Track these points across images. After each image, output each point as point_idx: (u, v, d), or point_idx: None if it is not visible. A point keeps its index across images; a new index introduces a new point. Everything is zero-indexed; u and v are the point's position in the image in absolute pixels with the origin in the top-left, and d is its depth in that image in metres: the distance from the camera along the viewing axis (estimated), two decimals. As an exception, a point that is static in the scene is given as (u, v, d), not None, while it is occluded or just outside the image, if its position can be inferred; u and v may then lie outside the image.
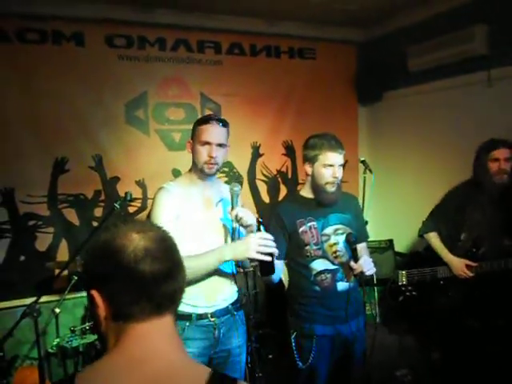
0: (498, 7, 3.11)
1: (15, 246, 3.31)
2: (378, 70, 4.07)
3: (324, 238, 2.22)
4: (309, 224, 2.22)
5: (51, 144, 3.36)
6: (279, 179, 4.19)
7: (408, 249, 3.81)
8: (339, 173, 2.20)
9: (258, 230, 1.95)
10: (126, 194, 2.42)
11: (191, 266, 1.84)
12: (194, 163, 2.08)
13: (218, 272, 2.06)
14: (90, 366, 0.91)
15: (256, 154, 4.06)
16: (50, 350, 3.08)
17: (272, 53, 4.06)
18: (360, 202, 2.82)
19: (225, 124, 2.07)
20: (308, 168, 2.24)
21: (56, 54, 3.32)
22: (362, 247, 2.29)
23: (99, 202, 3.53)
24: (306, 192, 2.31)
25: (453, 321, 2.68)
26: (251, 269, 3.35)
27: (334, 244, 2.23)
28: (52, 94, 3.31)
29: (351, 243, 2.16)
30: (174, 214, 1.99)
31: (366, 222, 2.85)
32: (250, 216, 1.97)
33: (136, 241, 0.88)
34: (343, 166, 2.25)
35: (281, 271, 2.25)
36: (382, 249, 3.98)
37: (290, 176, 4.22)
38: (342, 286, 2.21)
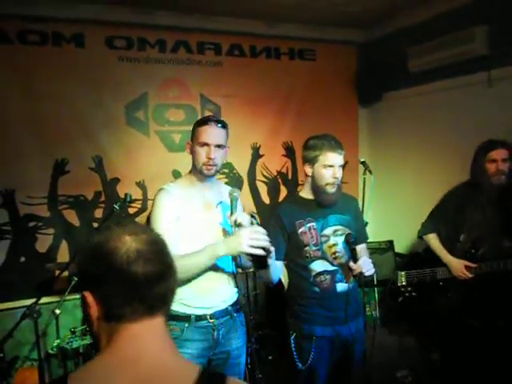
0: (498, 8, 3.11)
1: (15, 247, 3.31)
2: (378, 70, 4.07)
3: (323, 239, 2.22)
4: (308, 225, 2.22)
5: (51, 145, 3.36)
6: (279, 180, 4.19)
7: (408, 250, 3.81)
8: (339, 173, 2.20)
9: (252, 224, 1.95)
10: (125, 195, 2.42)
11: (186, 264, 1.86)
12: (194, 164, 2.08)
13: (217, 273, 2.06)
14: (82, 366, 0.93)
15: (256, 155, 4.06)
16: (50, 351, 3.09)
17: (272, 54, 4.07)
18: (360, 202, 2.83)
19: (224, 125, 2.07)
20: (308, 169, 2.24)
21: (56, 56, 3.33)
22: (361, 248, 2.29)
23: (99, 203, 3.53)
24: (305, 193, 2.31)
25: (452, 322, 2.68)
26: (251, 269, 3.38)
27: (334, 245, 2.23)
28: (52, 96, 3.32)
29: (350, 243, 2.16)
30: (174, 215, 1.99)
31: (366, 223, 2.85)
32: (248, 220, 1.98)
33: (128, 243, 0.90)
34: (343, 166, 2.25)
35: (280, 272, 2.25)
36: (382, 250, 3.97)
37: (290, 177, 4.22)
38: (341, 287, 2.21)
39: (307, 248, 2.20)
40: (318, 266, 2.21)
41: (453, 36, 3.32)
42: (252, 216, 2.00)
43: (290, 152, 4.17)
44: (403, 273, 2.76)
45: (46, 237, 3.40)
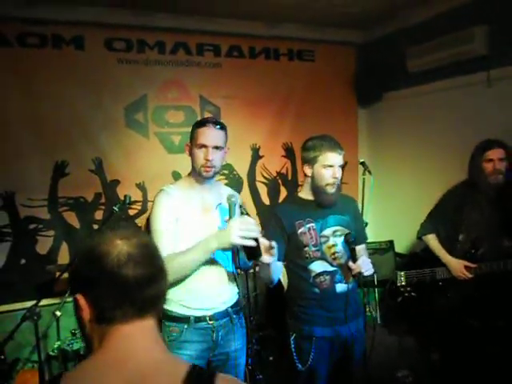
0: (497, 8, 3.11)
1: (16, 249, 3.32)
2: (377, 71, 4.07)
3: (323, 240, 2.22)
4: (307, 225, 2.22)
5: (51, 147, 3.37)
6: (279, 181, 4.19)
7: (408, 250, 3.81)
8: (339, 173, 2.20)
9: (242, 214, 1.96)
10: (125, 197, 2.43)
11: (182, 262, 1.88)
12: (193, 166, 2.08)
13: (216, 275, 2.06)
14: (75, 367, 0.96)
15: (256, 156, 4.06)
16: (51, 353, 3.09)
17: (271, 55, 4.07)
18: (360, 203, 2.83)
19: (222, 127, 2.07)
20: (307, 169, 2.25)
21: (56, 58, 3.34)
22: (360, 248, 2.29)
23: (99, 204, 3.53)
24: (304, 194, 2.31)
25: (452, 322, 2.68)
26: (251, 270, 3.38)
27: (333, 245, 2.23)
28: (52, 98, 3.32)
29: (350, 243, 2.16)
30: (173, 216, 2.00)
31: (366, 224, 2.86)
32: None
33: (119, 246, 0.92)
34: (343, 167, 2.25)
35: (280, 272, 2.25)
36: (382, 250, 3.98)
37: (289, 178, 4.22)
38: (340, 287, 2.21)
39: (307, 249, 2.21)
40: (317, 266, 2.21)
41: (452, 36, 3.32)
42: (241, 207, 2.00)
43: (289, 153, 4.18)
44: (403, 273, 2.77)
45: (47, 239, 3.40)
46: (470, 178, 2.74)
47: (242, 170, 4.02)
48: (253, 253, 1.85)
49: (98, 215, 3.52)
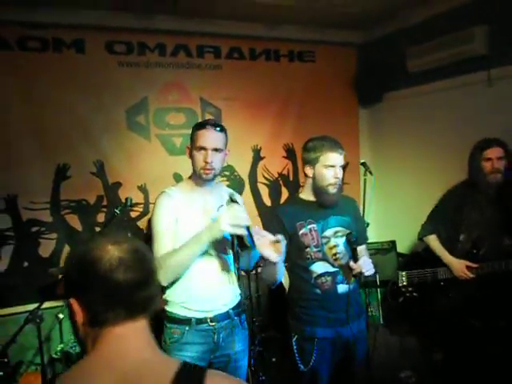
0: (496, 7, 3.11)
1: (19, 252, 3.33)
2: (377, 71, 4.07)
3: (324, 241, 2.22)
4: (309, 226, 2.22)
5: (53, 151, 3.38)
6: (281, 182, 4.20)
7: (410, 250, 3.80)
8: (340, 174, 2.21)
9: (232, 203, 1.97)
10: (126, 199, 2.44)
11: (178, 259, 1.90)
12: (193, 169, 2.09)
13: (218, 277, 2.07)
14: (71, 367, 0.98)
15: (257, 157, 4.07)
16: (54, 356, 3.10)
17: (271, 56, 4.08)
18: (361, 203, 2.83)
19: (222, 129, 2.06)
20: (309, 170, 2.25)
21: (57, 62, 3.36)
22: (362, 249, 2.29)
23: (101, 207, 3.55)
24: (305, 195, 2.31)
25: (454, 322, 2.68)
26: (253, 271, 3.39)
27: (334, 246, 2.23)
28: (53, 101, 3.34)
29: (351, 243, 2.16)
30: (174, 218, 2.01)
31: (368, 224, 2.85)
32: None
33: (111, 251, 0.95)
34: (344, 167, 2.26)
35: (282, 273, 2.25)
36: (384, 250, 3.97)
37: (291, 179, 4.22)
38: (342, 288, 2.21)
39: (308, 249, 2.21)
40: (318, 267, 2.21)
41: (452, 36, 3.32)
42: (231, 196, 2.01)
43: (290, 154, 4.18)
44: (404, 273, 2.77)
45: (49, 241, 3.41)
46: (470, 177, 2.75)
47: (244, 171, 4.03)
48: (245, 244, 1.86)
49: (100, 218, 3.53)
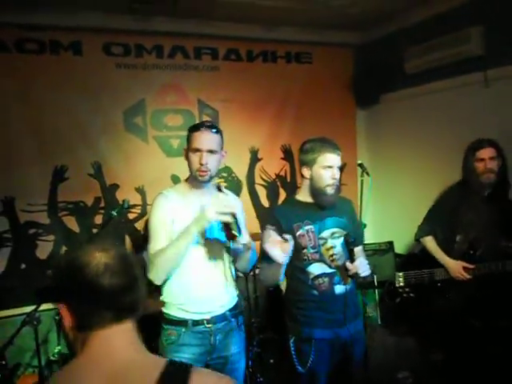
0: (492, 8, 3.12)
1: (16, 254, 3.33)
2: (375, 72, 4.08)
3: (321, 242, 2.23)
4: (306, 227, 2.22)
5: (51, 152, 3.38)
6: (278, 183, 4.20)
7: (408, 250, 3.81)
8: (338, 174, 2.21)
9: (219, 192, 2.00)
10: (123, 201, 2.44)
11: (168, 253, 1.92)
12: (189, 171, 2.09)
13: (214, 278, 2.07)
14: (62, 368, 1.03)
15: (254, 158, 4.07)
16: (51, 358, 3.09)
17: (269, 58, 4.09)
18: (358, 204, 2.84)
19: (217, 130, 2.07)
20: (306, 171, 2.25)
21: (54, 64, 3.36)
22: (358, 250, 2.29)
23: (99, 209, 3.55)
24: (302, 196, 2.31)
25: (451, 322, 2.68)
26: (251, 273, 3.39)
27: (331, 247, 2.23)
28: (51, 103, 3.34)
29: (349, 243, 2.17)
30: (170, 218, 2.02)
31: (365, 225, 2.86)
32: (244, 234, 1.98)
33: (98, 258, 0.99)
34: (341, 169, 2.26)
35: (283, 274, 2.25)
36: (382, 251, 3.97)
37: (288, 180, 4.23)
38: (339, 289, 2.21)
39: (305, 251, 2.21)
40: (315, 268, 2.21)
41: (449, 37, 3.33)
42: (218, 186, 2.03)
43: (288, 155, 4.18)
44: (401, 274, 2.77)
45: (47, 243, 3.41)
46: (464, 178, 2.76)
47: (241, 172, 4.03)
48: (232, 233, 1.87)
49: (98, 219, 3.53)
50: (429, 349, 3.01)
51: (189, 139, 2.08)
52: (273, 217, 2.28)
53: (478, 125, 3.20)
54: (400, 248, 3.96)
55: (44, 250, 3.40)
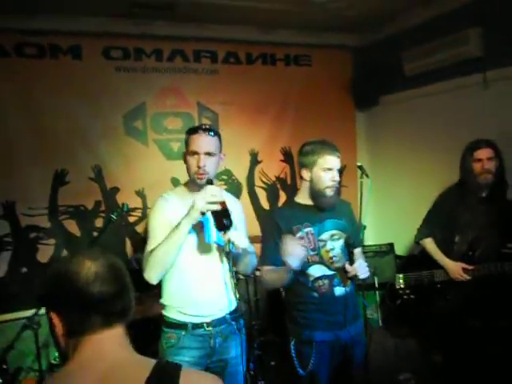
0: (490, 9, 3.12)
1: (17, 258, 3.33)
2: (374, 74, 4.08)
3: (320, 244, 2.23)
4: (305, 230, 2.23)
5: (51, 156, 3.39)
6: (278, 186, 4.20)
7: (408, 252, 3.81)
8: (337, 176, 2.22)
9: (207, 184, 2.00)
10: (122, 205, 2.45)
11: (162, 250, 1.93)
12: (188, 174, 2.10)
13: (214, 281, 2.08)
14: (56, 371, 1.05)
15: (254, 161, 4.08)
16: (53, 362, 3.09)
17: (268, 60, 4.09)
18: (358, 206, 2.84)
19: (214, 133, 2.07)
20: (305, 174, 2.26)
21: (54, 68, 3.37)
22: (357, 252, 2.30)
23: (99, 212, 3.55)
24: (301, 198, 2.32)
25: (452, 323, 2.68)
26: (251, 275, 3.39)
27: (331, 249, 2.24)
28: (51, 107, 3.35)
29: (350, 246, 2.17)
30: (169, 220, 2.02)
31: (364, 227, 2.86)
32: (242, 239, 1.99)
33: (88, 266, 1.02)
34: (341, 171, 2.27)
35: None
36: (382, 253, 3.97)
37: (289, 182, 4.23)
38: (339, 291, 2.22)
39: (305, 253, 2.21)
40: (316, 270, 2.21)
41: (447, 38, 3.33)
42: (208, 180, 2.03)
43: (288, 157, 4.19)
44: (401, 275, 2.78)
45: (48, 247, 3.42)
46: (461, 178, 2.76)
47: (241, 175, 4.04)
48: (222, 222, 1.87)
49: (99, 223, 3.54)
50: (430, 350, 3.01)
51: (187, 142, 2.09)
52: (272, 219, 2.29)
53: (477, 126, 3.20)
54: (400, 250, 3.96)
55: (45, 253, 3.41)
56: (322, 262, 2.22)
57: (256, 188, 4.11)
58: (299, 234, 2.21)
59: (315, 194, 2.24)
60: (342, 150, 2.27)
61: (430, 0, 3.45)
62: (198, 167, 2.01)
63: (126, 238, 3.63)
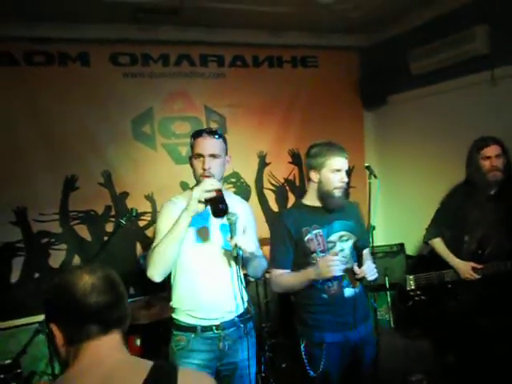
0: (496, 7, 3.10)
1: (29, 263, 3.37)
2: (381, 74, 4.07)
3: (330, 245, 2.23)
4: (314, 232, 2.23)
5: (61, 162, 3.43)
6: (287, 187, 4.21)
7: (418, 252, 3.79)
8: (346, 177, 2.23)
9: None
10: (131, 209, 2.46)
11: (163, 246, 1.93)
12: (194, 177, 2.11)
13: (223, 284, 2.08)
14: (57, 378, 1.12)
15: (263, 163, 4.08)
16: (65, 366, 3.12)
17: (274, 63, 4.10)
18: (367, 207, 2.84)
19: (219, 136, 2.08)
20: (314, 175, 2.26)
21: (62, 75, 3.41)
22: (365, 253, 2.29)
23: (110, 217, 3.58)
24: (309, 200, 2.32)
25: (464, 323, 2.66)
26: (261, 278, 3.39)
27: (340, 251, 2.23)
28: (60, 114, 3.39)
29: (359, 248, 2.18)
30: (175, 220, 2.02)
31: (373, 228, 2.85)
32: (249, 243, 1.98)
33: (85, 279, 1.09)
34: (349, 172, 2.27)
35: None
36: (393, 253, 3.95)
37: (297, 184, 4.23)
38: (349, 292, 2.22)
39: (314, 255, 2.21)
40: (325, 272, 2.21)
41: (453, 37, 3.32)
42: (206, 174, 2.03)
43: (296, 159, 4.19)
44: (412, 277, 2.76)
45: (59, 252, 3.46)
46: (468, 177, 2.74)
47: (250, 177, 4.04)
48: (217, 207, 1.88)
49: (109, 227, 3.57)
50: (442, 351, 2.99)
51: (192, 146, 2.10)
52: (281, 222, 2.29)
53: (486, 124, 3.17)
54: (411, 250, 3.94)
55: (57, 258, 3.44)
56: (331, 263, 2.21)
57: (265, 190, 4.12)
58: (308, 236, 2.22)
59: (323, 195, 2.24)
60: (350, 150, 2.27)
61: (435, -1, 3.44)
62: (203, 169, 2.01)
63: (136, 242, 3.66)
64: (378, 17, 3.77)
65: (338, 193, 2.21)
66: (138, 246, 3.66)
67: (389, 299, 3.80)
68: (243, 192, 3.93)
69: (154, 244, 2.01)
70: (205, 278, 2.05)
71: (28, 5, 2.93)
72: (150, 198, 3.67)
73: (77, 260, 3.50)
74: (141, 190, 3.66)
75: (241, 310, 2.14)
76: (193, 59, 3.80)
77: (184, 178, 3.64)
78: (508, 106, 3.08)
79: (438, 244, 2.82)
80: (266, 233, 2.87)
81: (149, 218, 3.68)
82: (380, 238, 4.09)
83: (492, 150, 2.63)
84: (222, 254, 2.07)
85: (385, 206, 4.11)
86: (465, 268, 2.69)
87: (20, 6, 2.94)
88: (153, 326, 2.90)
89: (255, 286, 3.52)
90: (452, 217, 2.76)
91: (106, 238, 3.54)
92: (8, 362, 2.66)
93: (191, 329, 2.03)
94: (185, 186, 3.59)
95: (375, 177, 2.96)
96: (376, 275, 2.12)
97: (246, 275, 2.23)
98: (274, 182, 4.16)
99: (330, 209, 2.25)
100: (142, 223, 3.67)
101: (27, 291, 3.31)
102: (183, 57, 3.77)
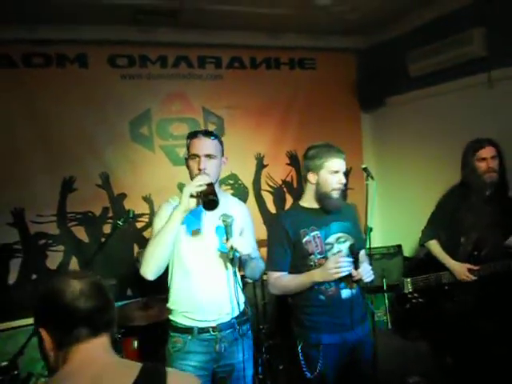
0: (494, 9, 3.11)
1: (27, 265, 3.38)
2: (378, 76, 4.08)
3: (328, 247, 2.23)
4: (312, 234, 2.23)
5: (59, 164, 3.44)
6: (284, 189, 4.21)
7: (416, 254, 3.79)
8: (344, 179, 2.24)
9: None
10: (128, 211, 2.46)
11: (156, 240, 1.94)
12: (190, 178, 2.11)
13: (220, 286, 2.08)
14: (48, 380, 1.13)
15: (260, 165, 4.09)
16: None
17: (272, 65, 4.11)
18: (364, 208, 2.84)
19: (214, 137, 2.09)
20: (312, 177, 2.26)
21: (60, 77, 3.42)
22: (361, 255, 2.30)
23: (107, 218, 3.59)
24: (306, 202, 2.32)
25: (461, 325, 2.66)
26: (259, 280, 3.39)
27: (338, 252, 2.24)
28: (58, 116, 3.40)
29: (355, 252, 2.18)
30: None
31: (371, 229, 2.85)
32: (245, 245, 1.98)
33: (73, 285, 1.13)
34: (346, 173, 2.28)
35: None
36: (390, 255, 3.96)
37: (295, 186, 4.24)
38: (346, 293, 2.22)
39: (312, 257, 2.22)
40: (322, 274, 2.21)
41: (451, 39, 3.33)
42: (199, 169, 2.04)
43: (294, 161, 4.19)
44: (409, 279, 2.77)
45: (57, 254, 3.46)
46: (465, 178, 2.75)
47: (247, 179, 4.05)
48: (209, 200, 1.88)
49: (107, 229, 3.57)
50: (439, 352, 2.99)
51: (188, 147, 2.11)
52: (279, 224, 2.29)
53: (482, 126, 3.18)
54: (408, 251, 3.95)
55: (54, 260, 3.45)
56: (328, 265, 2.21)
57: (262, 192, 4.12)
58: (306, 238, 2.22)
59: (321, 196, 2.24)
60: (347, 152, 2.28)
61: (432, 0, 3.44)
62: (199, 169, 2.01)
63: (133, 244, 3.66)
64: (376, 19, 3.78)
65: (335, 194, 2.22)
66: (136, 248, 3.66)
67: (386, 301, 3.80)
68: (241, 194, 3.94)
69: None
70: (201, 279, 2.05)
71: (26, 6, 2.94)
72: (147, 200, 3.68)
73: (74, 261, 3.50)
74: (138, 192, 3.66)
75: (238, 312, 2.13)
76: (191, 61, 3.81)
77: (182, 180, 3.64)
78: (505, 108, 3.09)
79: (434, 246, 2.82)
80: (263, 234, 2.87)
81: (146, 220, 3.68)
82: (377, 240, 4.09)
83: (487, 152, 2.64)
84: (219, 255, 2.07)
85: (382, 207, 4.12)
86: (461, 269, 2.69)
87: (18, 7, 2.95)
88: (151, 327, 2.90)
89: (252, 287, 3.52)
90: (448, 218, 2.76)
91: (103, 240, 3.54)
92: (5, 363, 2.65)
93: (188, 330, 2.02)
94: (183, 188, 3.59)
95: (372, 178, 2.96)
96: (372, 277, 2.13)
97: (243, 277, 2.23)
98: (271, 184, 4.16)
99: (328, 210, 2.26)
100: (139, 225, 3.67)
101: (25, 292, 3.32)
102: (181, 58, 3.78)
